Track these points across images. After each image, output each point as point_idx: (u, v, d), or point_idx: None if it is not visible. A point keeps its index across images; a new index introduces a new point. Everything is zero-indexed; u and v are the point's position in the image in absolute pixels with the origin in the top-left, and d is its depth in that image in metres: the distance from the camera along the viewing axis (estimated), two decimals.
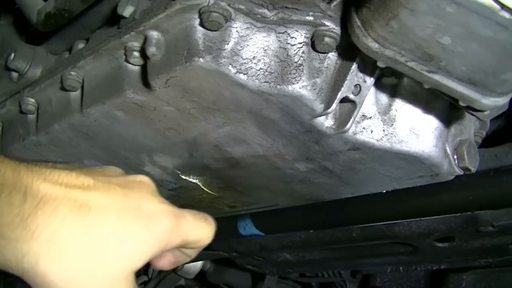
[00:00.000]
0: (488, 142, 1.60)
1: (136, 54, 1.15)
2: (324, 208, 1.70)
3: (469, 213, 1.64)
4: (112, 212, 0.90)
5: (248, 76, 1.03)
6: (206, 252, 2.73)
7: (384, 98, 1.16)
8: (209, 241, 1.08)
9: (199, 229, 1.05)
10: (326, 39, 1.01)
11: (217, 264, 3.20)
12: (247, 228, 1.98)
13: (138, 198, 0.96)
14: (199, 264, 3.16)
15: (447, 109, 1.18)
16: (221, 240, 2.40)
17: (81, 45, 1.35)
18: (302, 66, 1.04)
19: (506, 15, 0.76)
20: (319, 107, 1.06)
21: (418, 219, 1.75)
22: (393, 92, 1.16)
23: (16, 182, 0.86)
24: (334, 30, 1.02)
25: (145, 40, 1.11)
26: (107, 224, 0.89)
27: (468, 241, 1.88)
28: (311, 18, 1.02)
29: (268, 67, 1.04)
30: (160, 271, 3.44)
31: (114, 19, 1.23)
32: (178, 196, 1.64)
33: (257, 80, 1.03)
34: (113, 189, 0.94)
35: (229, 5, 1.01)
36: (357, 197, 1.49)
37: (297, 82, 1.03)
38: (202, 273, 3.22)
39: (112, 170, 1.05)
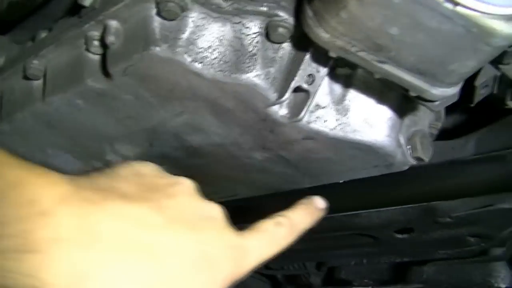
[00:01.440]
0: (446, 135, 1.64)
1: (96, 43, 1.17)
2: (283, 198, 1.71)
3: (426, 203, 1.67)
4: (178, 262, 0.88)
5: (203, 65, 1.05)
6: None
7: (338, 88, 1.18)
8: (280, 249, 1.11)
9: (265, 253, 1.07)
10: (280, 30, 1.04)
11: None
12: None
13: (206, 242, 0.94)
14: None
15: (400, 100, 1.21)
16: None
17: (43, 34, 1.36)
18: (256, 56, 1.06)
19: (450, 6, 0.78)
20: (272, 96, 1.08)
21: (377, 209, 1.78)
22: (347, 82, 1.18)
23: None
24: (288, 21, 1.05)
25: (105, 29, 1.13)
26: (172, 278, 0.87)
27: (427, 233, 1.90)
28: (265, 8, 1.05)
29: (223, 56, 1.06)
30: None
31: (76, 9, 1.25)
32: None
33: (212, 69, 1.05)
34: (182, 233, 0.92)
35: None
36: (315, 187, 1.50)
37: (251, 71, 1.05)
38: None
39: (185, 193, 1.04)
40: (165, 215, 0.92)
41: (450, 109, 1.35)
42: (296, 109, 1.13)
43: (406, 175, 1.36)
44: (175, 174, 1.53)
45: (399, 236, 1.94)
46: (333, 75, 1.17)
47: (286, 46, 1.10)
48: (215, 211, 1.04)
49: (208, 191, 1.66)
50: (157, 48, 1.04)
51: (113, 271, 0.82)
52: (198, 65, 1.05)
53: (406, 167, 1.31)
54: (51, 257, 0.78)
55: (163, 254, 0.87)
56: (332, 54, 0.97)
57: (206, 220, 0.99)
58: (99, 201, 0.88)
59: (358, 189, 1.66)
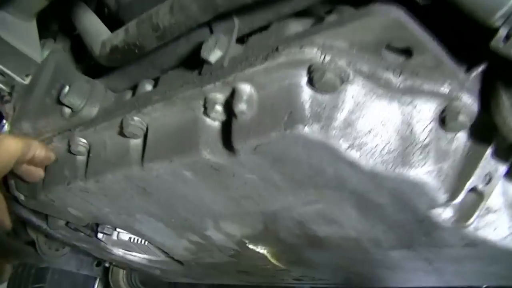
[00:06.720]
0: None
1: (219, 108, 0.95)
2: None
3: None
4: None
5: (361, 154, 0.83)
6: None
7: None
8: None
9: None
10: (461, 117, 0.82)
11: None
12: None
13: None
14: None
15: None
16: None
17: (148, 86, 1.17)
18: (429, 147, 0.84)
19: None
20: (442, 197, 0.87)
21: None
22: None
23: None
24: (470, 107, 0.83)
25: (233, 93, 0.92)
26: None
27: None
28: (447, 90, 0.83)
29: (386, 144, 0.84)
30: None
31: (192, 62, 1.05)
32: (238, 262, 1.44)
33: (371, 159, 0.83)
34: None
35: (348, 65, 0.82)
36: None
37: (421, 167, 0.84)
38: None
39: None
40: None
41: None
42: (465, 212, 0.91)
43: None
44: (285, 258, 1.33)
45: None
46: (509, 174, 0.95)
47: (461, 136, 0.88)
48: None
49: (319, 277, 1.46)
50: (306, 129, 0.82)
51: None
52: (355, 154, 0.83)
53: None
54: None
55: None
56: None
57: None
58: None
59: None
